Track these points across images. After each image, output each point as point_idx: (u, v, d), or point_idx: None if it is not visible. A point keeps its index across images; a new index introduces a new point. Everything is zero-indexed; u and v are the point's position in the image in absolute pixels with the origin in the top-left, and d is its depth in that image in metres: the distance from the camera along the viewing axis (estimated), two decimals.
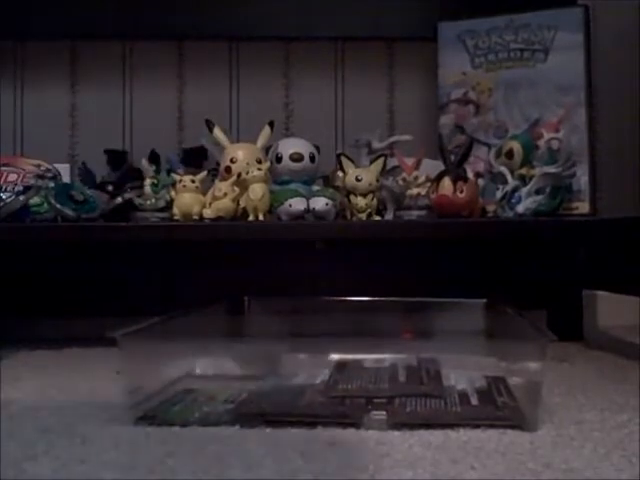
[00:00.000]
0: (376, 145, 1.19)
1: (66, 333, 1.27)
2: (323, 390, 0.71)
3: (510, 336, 0.80)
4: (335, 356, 0.78)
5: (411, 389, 0.71)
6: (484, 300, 1.00)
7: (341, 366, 0.78)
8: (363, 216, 1.07)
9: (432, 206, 1.08)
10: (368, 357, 0.80)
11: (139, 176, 1.14)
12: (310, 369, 0.76)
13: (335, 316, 0.99)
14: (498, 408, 0.67)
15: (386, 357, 0.79)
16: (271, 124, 1.16)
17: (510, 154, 1.12)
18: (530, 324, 0.76)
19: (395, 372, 0.76)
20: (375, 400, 0.69)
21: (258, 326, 1.01)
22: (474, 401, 0.69)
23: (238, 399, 0.71)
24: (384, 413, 0.66)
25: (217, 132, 1.14)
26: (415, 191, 1.10)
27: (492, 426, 0.65)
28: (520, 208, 1.06)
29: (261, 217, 1.04)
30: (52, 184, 1.11)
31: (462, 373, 0.75)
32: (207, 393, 0.74)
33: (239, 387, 0.74)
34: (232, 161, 1.10)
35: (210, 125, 1.14)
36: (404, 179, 1.10)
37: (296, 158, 1.13)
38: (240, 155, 1.11)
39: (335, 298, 1.04)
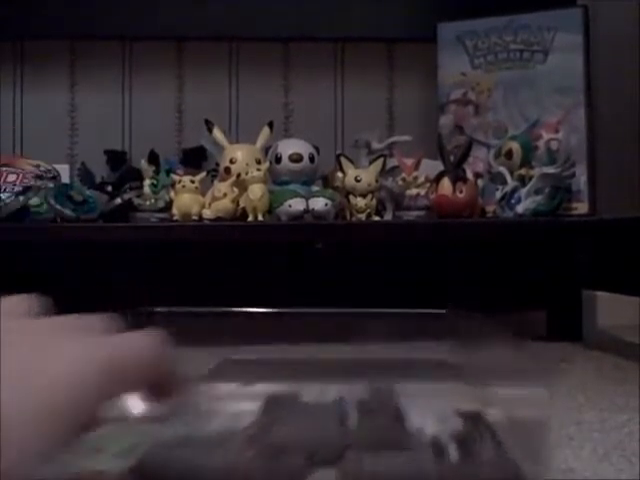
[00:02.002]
0: (375, 145, 1.19)
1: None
2: (249, 440, 0.53)
3: (481, 352, 0.65)
4: (264, 387, 0.61)
5: (367, 437, 0.54)
6: (443, 311, 0.86)
7: (272, 402, 0.59)
8: (362, 216, 1.07)
9: (431, 206, 1.08)
10: (307, 387, 0.61)
11: (138, 176, 1.14)
12: (232, 406, 0.58)
13: (270, 332, 0.86)
14: (486, 466, 0.50)
15: (331, 387, 0.61)
16: (270, 125, 1.16)
17: (509, 154, 1.12)
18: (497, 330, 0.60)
19: (343, 410, 0.58)
20: (320, 453, 0.52)
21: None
22: (452, 453, 0.52)
23: (134, 452, 0.51)
24: (333, 473, 0.50)
25: (216, 132, 1.14)
26: (414, 191, 1.10)
27: None
28: (519, 208, 1.06)
29: (260, 217, 1.04)
30: (51, 184, 1.11)
31: (428, 407, 0.59)
32: (93, 440, 0.51)
33: (140, 431, 0.52)
34: (231, 162, 1.10)
35: (209, 125, 1.14)
36: (403, 179, 1.10)
37: (295, 159, 1.13)
38: (239, 156, 1.11)
39: (270, 310, 0.84)
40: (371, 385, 0.59)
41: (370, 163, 1.11)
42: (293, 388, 0.58)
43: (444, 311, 0.74)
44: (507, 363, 0.55)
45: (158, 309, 0.82)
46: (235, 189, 1.06)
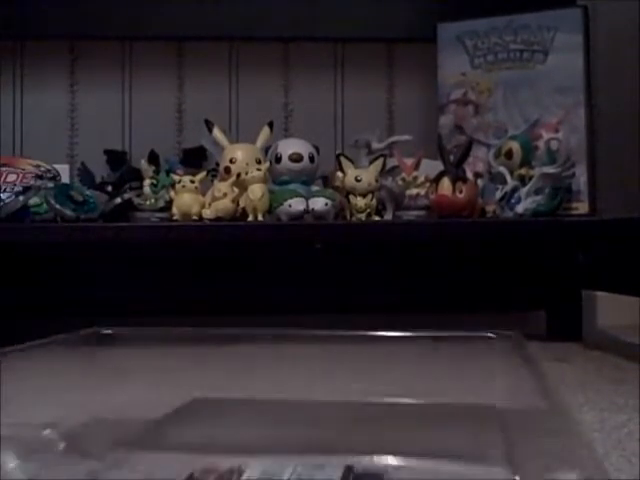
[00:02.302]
0: (375, 145, 1.19)
1: (66, 333, 1.26)
2: None
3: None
4: (201, 461, 0.41)
5: None
6: (491, 334, 0.63)
7: None
8: (362, 216, 1.07)
9: (431, 206, 1.08)
10: (256, 461, 0.41)
11: (138, 176, 1.15)
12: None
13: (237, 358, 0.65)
14: None
15: (294, 461, 0.40)
16: (270, 125, 1.16)
17: (509, 154, 1.12)
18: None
19: None
20: None
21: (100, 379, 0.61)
22: None
23: None
24: None
25: (216, 132, 1.14)
26: (414, 191, 1.10)
27: None
28: (519, 208, 1.06)
29: (260, 217, 1.04)
30: (51, 184, 1.11)
31: None
32: None
33: None
34: (231, 161, 1.10)
35: (209, 125, 1.14)
36: (403, 179, 1.10)
37: (295, 158, 1.13)
38: (239, 155, 1.11)
39: (248, 330, 0.69)
40: (347, 464, 0.37)
41: (370, 163, 1.11)
42: (242, 461, 0.40)
43: (491, 334, 0.64)
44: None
45: (108, 330, 0.68)
46: (235, 189, 1.06)
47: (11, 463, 0.41)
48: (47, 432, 0.47)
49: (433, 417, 0.47)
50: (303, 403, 0.54)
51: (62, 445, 0.45)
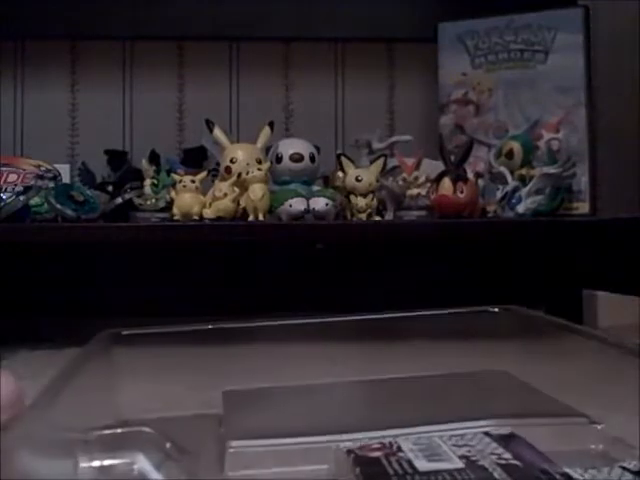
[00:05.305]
0: (376, 145, 1.19)
1: (66, 333, 1.26)
2: None
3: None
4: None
5: None
6: (495, 309, 0.68)
7: None
8: (363, 216, 1.07)
9: (432, 206, 1.08)
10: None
11: (139, 176, 1.15)
12: None
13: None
14: None
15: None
16: (271, 124, 1.16)
17: (510, 154, 1.12)
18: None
19: None
20: None
21: None
22: None
23: None
24: None
25: (217, 132, 1.14)
26: (415, 191, 1.10)
27: None
28: (520, 208, 1.06)
29: (261, 217, 1.04)
30: (52, 184, 1.11)
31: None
32: None
33: None
34: (232, 161, 1.10)
35: (210, 125, 1.14)
36: (404, 179, 1.10)
37: (296, 158, 1.13)
38: (240, 155, 1.10)
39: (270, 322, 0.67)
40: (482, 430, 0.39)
41: (371, 163, 1.11)
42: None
43: (496, 309, 0.66)
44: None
45: (127, 331, 0.63)
46: (236, 189, 1.06)
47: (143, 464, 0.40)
48: (145, 429, 0.43)
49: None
50: (337, 384, 0.57)
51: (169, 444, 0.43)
